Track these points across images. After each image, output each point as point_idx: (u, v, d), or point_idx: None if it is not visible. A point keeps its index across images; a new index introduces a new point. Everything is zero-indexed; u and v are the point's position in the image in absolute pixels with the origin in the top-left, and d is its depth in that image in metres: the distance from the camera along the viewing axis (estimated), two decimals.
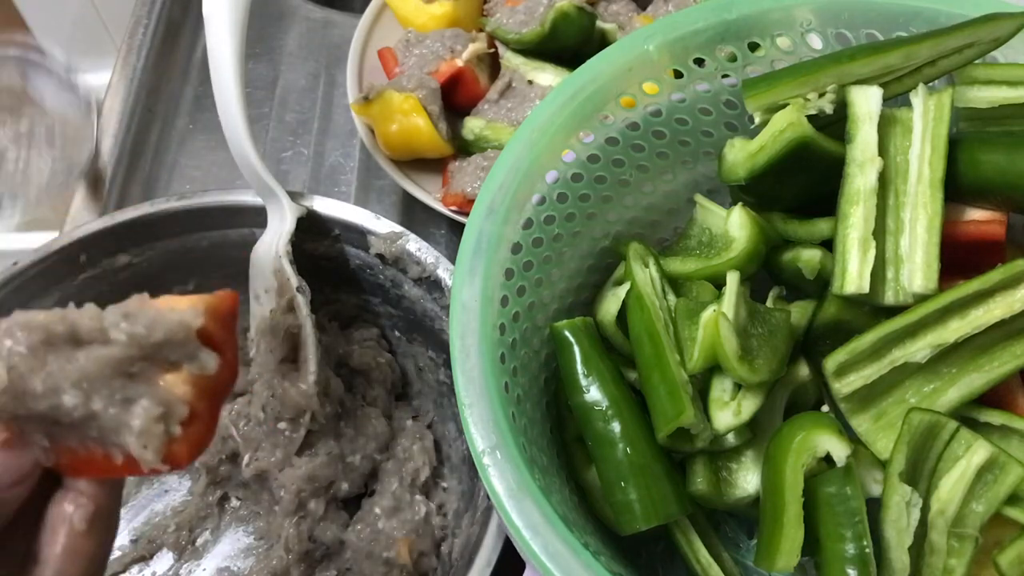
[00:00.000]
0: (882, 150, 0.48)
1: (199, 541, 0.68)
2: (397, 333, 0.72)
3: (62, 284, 0.67)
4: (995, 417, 0.47)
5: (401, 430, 0.69)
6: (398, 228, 0.66)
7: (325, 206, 0.67)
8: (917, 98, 0.49)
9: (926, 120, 0.49)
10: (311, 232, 0.67)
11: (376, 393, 0.70)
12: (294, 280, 0.63)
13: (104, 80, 0.95)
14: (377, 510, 0.65)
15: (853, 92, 0.49)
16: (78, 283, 0.67)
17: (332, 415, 0.64)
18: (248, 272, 0.67)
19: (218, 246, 0.69)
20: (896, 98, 0.54)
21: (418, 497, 0.66)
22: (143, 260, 0.69)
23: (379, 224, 0.66)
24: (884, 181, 0.49)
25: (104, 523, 0.35)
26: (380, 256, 0.66)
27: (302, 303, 0.63)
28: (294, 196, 0.66)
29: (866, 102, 0.49)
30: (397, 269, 0.66)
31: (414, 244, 0.65)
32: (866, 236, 0.48)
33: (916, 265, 0.47)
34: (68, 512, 0.34)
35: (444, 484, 0.68)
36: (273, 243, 0.64)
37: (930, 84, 0.50)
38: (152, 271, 0.69)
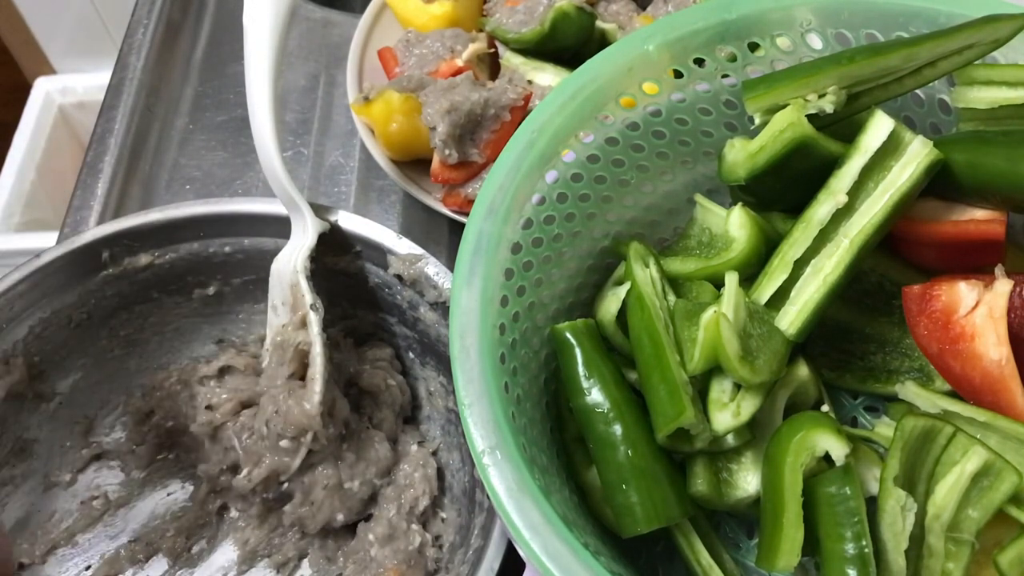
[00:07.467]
0: (862, 178, 0.49)
1: (195, 549, 0.68)
2: (411, 355, 0.72)
3: (84, 281, 0.66)
4: (980, 415, 0.47)
5: (405, 455, 0.68)
6: (418, 250, 0.65)
7: (348, 222, 0.66)
8: (916, 142, 0.48)
9: (904, 169, 0.49)
10: (332, 246, 0.67)
11: (383, 415, 0.68)
12: (308, 297, 0.62)
13: (104, 80, 0.95)
14: (371, 536, 0.64)
15: (876, 115, 0.49)
16: (99, 280, 0.67)
17: (335, 436, 0.63)
18: (268, 281, 0.67)
19: (240, 253, 0.69)
20: (912, 122, 0.54)
21: (414, 527, 0.64)
22: (165, 261, 0.68)
23: (400, 244, 0.65)
24: (837, 214, 0.49)
25: None
26: (398, 276, 0.66)
27: (314, 321, 0.62)
28: (319, 210, 0.66)
29: (876, 133, 0.49)
30: (414, 291, 0.66)
31: (432, 268, 0.64)
32: (789, 261, 0.50)
33: (793, 309, 0.50)
34: None
35: (443, 515, 0.67)
36: (292, 256, 0.64)
37: (929, 84, 0.50)
38: (173, 273, 0.69)
